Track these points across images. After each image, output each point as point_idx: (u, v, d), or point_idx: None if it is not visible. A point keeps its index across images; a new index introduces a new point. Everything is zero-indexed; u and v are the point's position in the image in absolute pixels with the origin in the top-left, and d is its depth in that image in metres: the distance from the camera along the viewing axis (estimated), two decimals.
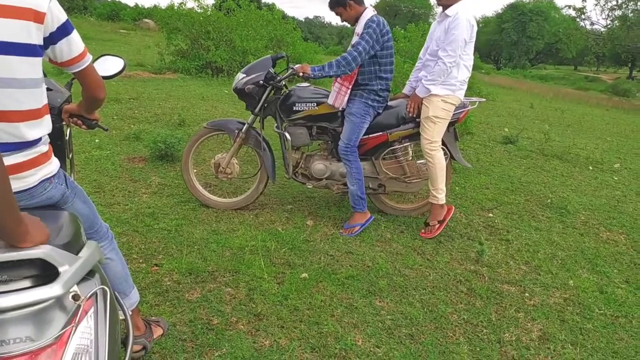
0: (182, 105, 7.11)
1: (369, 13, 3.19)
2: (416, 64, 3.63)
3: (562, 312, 2.64)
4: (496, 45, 49.60)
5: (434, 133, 3.27)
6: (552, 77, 41.23)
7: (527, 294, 2.79)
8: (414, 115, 3.37)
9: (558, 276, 3.03)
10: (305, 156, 3.59)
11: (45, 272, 1.17)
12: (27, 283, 1.13)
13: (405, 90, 3.64)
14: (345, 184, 3.51)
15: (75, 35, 1.44)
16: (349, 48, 3.20)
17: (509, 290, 2.81)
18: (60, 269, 1.16)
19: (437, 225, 3.41)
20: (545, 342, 2.36)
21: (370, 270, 2.90)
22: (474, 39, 3.23)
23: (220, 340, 2.15)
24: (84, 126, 1.86)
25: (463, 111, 3.46)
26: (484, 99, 3.91)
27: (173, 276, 2.63)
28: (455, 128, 3.60)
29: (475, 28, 3.21)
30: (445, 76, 3.18)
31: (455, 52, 3.11)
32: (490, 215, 3.96)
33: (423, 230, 3.44)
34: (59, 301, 1.15)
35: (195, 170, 3.64)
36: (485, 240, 3.41)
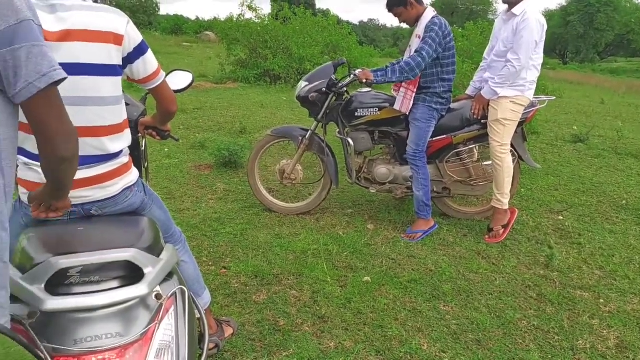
0: (243, 113, 7.34)
1: (429, 14, 3.14)
2: (481, 64, 3.54)
3: None
4: (561, 39, 47.20)
5: (504, 135, 3.17)
6: (624, 70, 38.67)
7: (602, 300, 2.65)
8: (479, 118, 3.29)
9: (636, 282, 2.86)
10: (368, 161, 3.60)
11: (131, 274, 1.27)
12: (115, 283, 1.24)
13: (469, 91, 3.57)
14: (408, 188, 3.49)
15: (149, 55, 1.55)
16: (412, 53, 3.16)
17: (582, 296, 2.69)
18: (145, 271, 1.26)
19: (502, 230, 3.31)
20: (623, 351, 2.24)
21: (433, 274, 2.87)
22: (544, 39, 3.10)
23: (287, 341, 2.21)
24: (157, 137, 1.99)
25: (532, 110, 3.34)
26: (553, 97, 3.75)
27: (240, 278, 2.74)
28: (524, 128, 3.49)
29: (545, 27, 3.08)
30: (514, 79, 3.09)
31: (526, 55, 3.00)
32: (560, 217, 3.79)
33: (487, 236, 3.35)
34: (143, 300, 1.24)
35: (259, 177, 3.75)
36: (555, 244, 3.27)
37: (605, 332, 2.38)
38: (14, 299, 1.20)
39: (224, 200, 3.93)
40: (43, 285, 1.15)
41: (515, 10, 3.06)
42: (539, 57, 3.14)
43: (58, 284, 1.18)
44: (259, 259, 2.97)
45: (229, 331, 2.18)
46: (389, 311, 2.48)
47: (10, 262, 1.28)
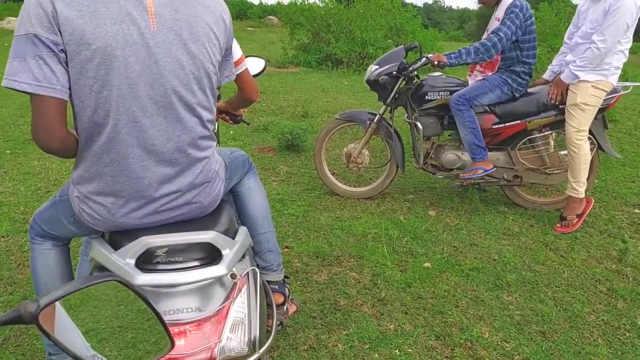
0: (305, 97, 7.42)
1: None
2: (562, 48, 3.36)
3: None
4: None
5: (581, 121, 3.02)
6: None
7: None
8: (557, 103, 3.15)
9: None
10: (436, 146, 3.55)
11: (210, 254, 1.35)
12: (196, 263, 1.33)
13: (546, 75, 3.40)
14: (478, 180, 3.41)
15: (235, 41, 1.61)
16: (490, 35, 3.07)
17: None
18: (223, 252, 1.34)
19: (576, 220, 3.17)
20: None
21: (496, 263, 2.82)
22: (636, 21, 2.89)
23: (347, 321, 2.27)
24: (230, 121, 2.07)
25: (614, 96, 3.14)
26: (639, 83, 3.50)
27: (302, 258, 2.82)
28: (605, 115, 3.29)
29: (638, 13, 2.86)
30: (597, 63, 2.91)
31: (614, 38, 2.82)
32: (636, 211, 3.57)
33: (559, 225, 3.22)
34: (220, 279, 1.33)
35: (325, 159, 3.79)
36: (629, 238, 3.10)
37: None
38: (106, 272, 1.32)
39: (286, 182, 4.03)
40: (134, 262, 1.25)
41: None
42: (627, 42, 2.93)
43: (146, 261, 1.28)
44: (320, 240, 3.04)
45: (292, 308, 2.25)
46: (449, 298, 2.47)
47: (103, 239, 1.41)
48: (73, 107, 1.22)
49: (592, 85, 2.96)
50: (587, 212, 3.19)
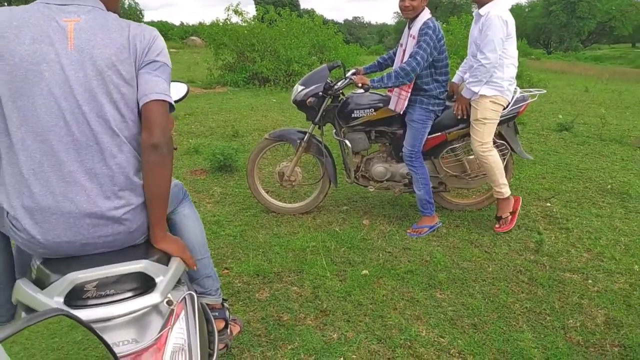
0: (234, 117, 7.42)
1: (426, 15, 3.16)
2: (467, 56, 3.58)
3: (628, 297, 2.61)
4: (545, 29, 47.60)
5: (484, 134, 3.25)
6: (608, 57, 39.06)
7: (590, 281, 2.78)
8: (464, 117, 3.37)
9: (622, 262, 2.99)
10: (365, 160, 3.66)
11: (143, 284, 1.34)
12: (130, 294, 1.31)
13: (455, 79, 3.63)
14: (406, 185, 3.58)
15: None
16: (405, 54, 3.21)
17: (572, 278, 2.81)
18: (157, 280, 1.34)
19: (510, 217, 3.41)
20: (611, 327, 2.36)
21: (428, 264, 2.98)
22: (512, 35, 3.17)
23: (291, 335, 2.30)
24: None
25: (523, 105, 3.43)
26: (544, 90, 3.84)
27: (243, 278, 2.82)
28: (515, 122, 3.57)
29: (512, 22, 3.15)
30: (487, 77, 3.16)
31: (493, 53, 3.08)
32: (548, 204, 3.91)
33: (497, 225, 3.43)
34: (156, 307, 1.32)
35: (258, 178, 3.81)
36: (544, 230, 3.40)
37: (594, 310, 2.50)
38: (33, 312, 1.27)
39: (221, 203, 4.01)
40: (62, 300, 1.22)
41: (481, 10, 3.18)
42: (512, 54, 3.22)
43: (76, 297, 1.24)
44: (259, 258, 3.06)
45: (236, 329, 2.25)
46: (387, 301, 2.58)
47: (28, 279, 1.35)
48: None
49: (490, 101, 3.21)
50: (518, 208, 3.44)
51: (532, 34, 46.35)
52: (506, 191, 3.38)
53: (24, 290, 1.28)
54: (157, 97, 1.39)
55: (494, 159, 3.30)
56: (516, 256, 3.08)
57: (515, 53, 3.26)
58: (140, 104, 1.39)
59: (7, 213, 1.33)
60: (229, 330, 2.20)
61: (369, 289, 2.70)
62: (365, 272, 2.88)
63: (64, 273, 1.25)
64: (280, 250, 3.15)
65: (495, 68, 3.15)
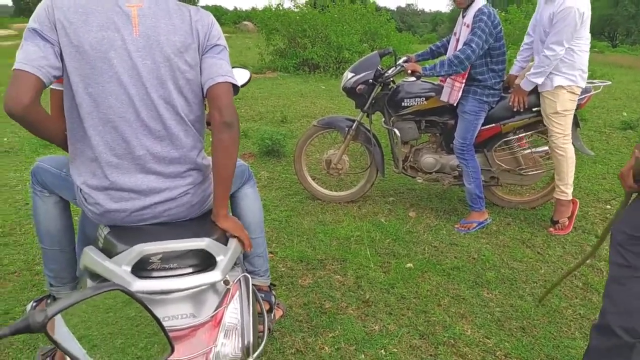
0: (283, 102, 7.45)
1: (480, 1, 3.04)
2: (524, 42, 3.42)
3: None
4: (611, 20, 44.87)
5: (565, 126, 3.09)
6: None
7: None
8: (521, 109, 3.22)
9: None
10: (415, 150, 3.59)
11: (204, 261, 1.37)
12: (190, 270, 1.34)
13: (513, 70, 3.46)
14: (455, 177, 3.49)
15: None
16: (460, 42, 3.11)
17: None
18: (217, 259, 1.36)
19: (567, 222, 3.25)
20: None
21: (476, 262, 2.89)
22: (587, 22, 2.97)
23: (332, 323, 2.30)
24: (209, 127, 2.09)
25: (586, 96, 3.23)
26: (609, 82, 3.61)
27: (287, 263, 2.84)
28: (577, 115, 3.39)
29: (587, 13, 2.93)
30: (550, 69, 2.99)
31: (560, 46, 2.90)
32: (608, 207, 3.71)
33: (552, 228, 3.29)
34: (213, 285, 1.35)
35: (305, 165, 3.81)
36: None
37: None
38: (101, 279, 1.32)
39: (268, 187, 4.05)
40: (129, 269, 1.26)
41: None
42: (584, 41, 3.01)
43: (141, 267, 1.29)
44: (304, 244, 3.07)
45: (278, 313, 2.27)
46: (431, 297, 2.53)
47: (96, 247, 1.42)
48: (64, 101, 1.39)
49: (567, 91, 3.04)
50: (576, 211, 3.27)
51: (597, 26, 43.71)
52: (569, 193, 3.21)
53: (92, 257, 1.34)
54: (224, 80, 1.43)
55: (571, 154, 3.14)
56: (571, 259, 2.93)
57: (588, 38, 3.04)
58: (207, 86, 1.43)
59: (80, 189, 1.42)
60: (272, 315, 2.23)
61: (413, 283, 2.65)
62: (409, 265, 2.83)
63: (132, 244, 1.30)
64: (324, 238, 3.15)
65: (557, 60, 2.97)
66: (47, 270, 1.80)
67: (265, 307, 2.05)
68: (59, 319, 0.71)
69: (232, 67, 1.87)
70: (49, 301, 1.85)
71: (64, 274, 1.79)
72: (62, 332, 0.75)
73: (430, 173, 3.55)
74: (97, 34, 1.31)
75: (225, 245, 1.44)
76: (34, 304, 1.89)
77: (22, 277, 2.61)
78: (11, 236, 3.06)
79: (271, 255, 2.92)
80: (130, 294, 0.79)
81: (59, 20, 1.30)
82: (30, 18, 1.33)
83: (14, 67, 1.27)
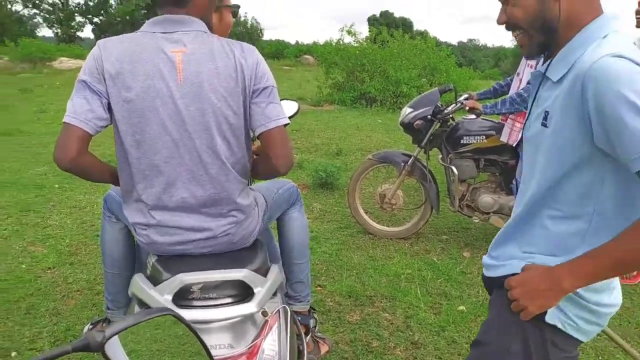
0: (339, 135, 7.54)
1: None
2: None
3: None
4: None
5: None
6: None
7: None
8: None
9: None
10: (472, 188, 3.51)
11: (242, 292, 1.40)
12: (229, 300, 1.37)
13: None
14: None
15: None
16: (523, 83, 3.05)
17: None
18: (255, 290, 1.39)
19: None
20: None
21: None
22: None
23: None
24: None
25: None
26: None
27: (335, 297, 2.82)
28: None
29: None
30: None
31: None
32: None
33: (621, 277, 3.04)
34: (251, 316, 1.37)
35: (359, 198, 3.82)
36: None
37: None
38: (146, 306, 1.38)
39: (320, 219, 4.08)
40: (171, 298, 1.31)
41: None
42: None
43: (182, 296, 1.34)
44: (353, 279, 3.05)
45: (324, 348, 2.25)
46: None
47: (144, 274, 1.49)
48: (115, 145, 1.45)
49: None
50: None
51: None
52: None
53: (140, 285, 1.41)
54: (277, 125, 1.45)
55: None
56: (638, 312, 2.72)
57: None
58: (259, 132, 1.45)
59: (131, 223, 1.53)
60: (317, 348, 2.21)
61: (465, 327, 2.55)
62: (462, 307, 2.73)
63: (174, 273, 1.35)
64: (374, 274, 3.11)
65: None
66: (107, 293, 1.92)
67: (302, 329, 2.06)
68: (115, 339, 0.76)
69: (281, 99, 1.92)
70: (104, 324, 1.94)
71: (119, 297, 1.89)
72: (117, 353, 0.80)
73: (488, 213, 3.45)
74: (144, 83, 1.35)
75: (265, 276, 1.47)
76: (91, 326, 1.99)
77: (83, 295, 2.75)
78: (76, 255, 3.25)
79: (319, 288, 2.92)
80: (181, 319, 0.83)
81: (107, 71, 1.35)
82: (82, 68, 1.39)
83: (63, 120, 1.34)
